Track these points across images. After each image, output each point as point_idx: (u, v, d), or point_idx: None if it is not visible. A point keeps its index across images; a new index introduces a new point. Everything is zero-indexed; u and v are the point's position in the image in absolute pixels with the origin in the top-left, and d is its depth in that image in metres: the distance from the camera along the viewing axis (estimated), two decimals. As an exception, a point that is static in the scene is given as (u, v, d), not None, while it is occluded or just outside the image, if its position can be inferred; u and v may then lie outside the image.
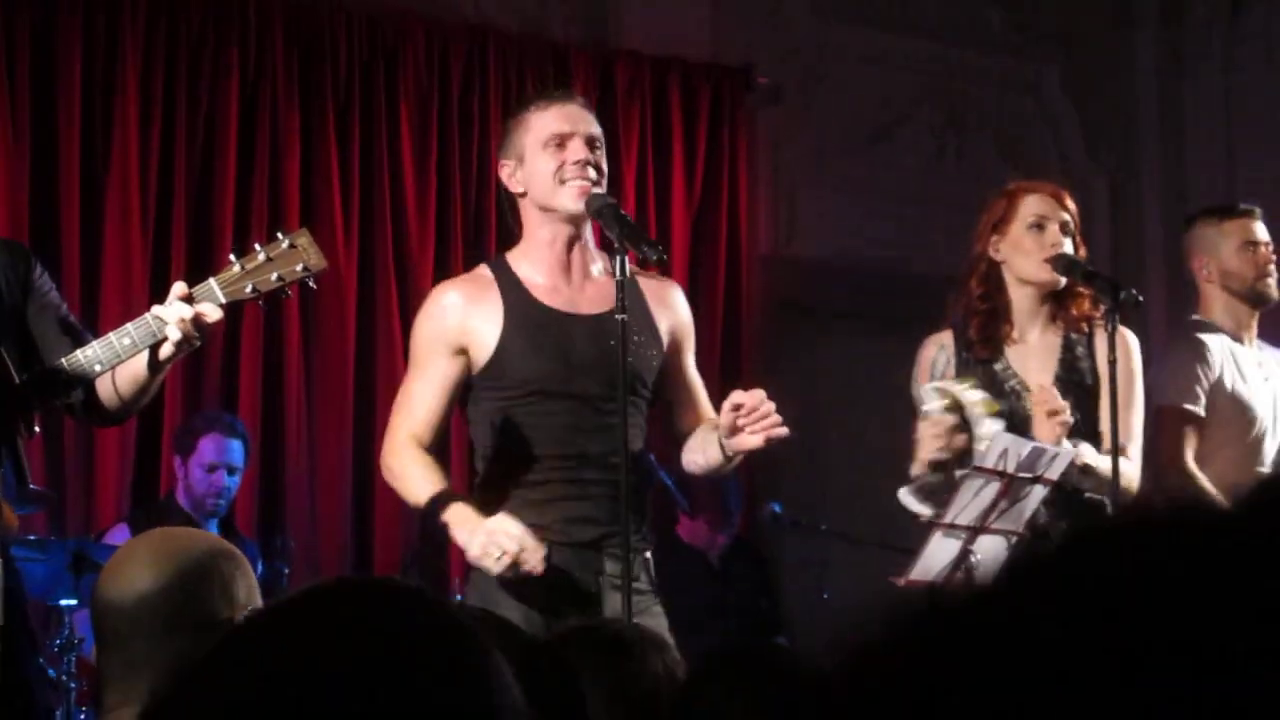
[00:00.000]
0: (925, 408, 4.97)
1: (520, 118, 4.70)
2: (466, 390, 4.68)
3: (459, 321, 4.61)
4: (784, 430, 4.50)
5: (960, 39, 9.53)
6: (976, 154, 9.43)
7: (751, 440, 4.46)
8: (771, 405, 4.46)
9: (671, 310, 4.80)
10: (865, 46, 9.31)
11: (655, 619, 4.53)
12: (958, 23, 9.57)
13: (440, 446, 4.75)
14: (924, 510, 4.95)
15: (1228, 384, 5.88)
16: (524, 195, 4.65)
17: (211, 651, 1.41)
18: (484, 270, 4.75)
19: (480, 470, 4.72)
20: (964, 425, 4.92)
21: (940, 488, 4.91)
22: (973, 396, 4.95)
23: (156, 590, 2.92)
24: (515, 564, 4.34)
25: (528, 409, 4.58)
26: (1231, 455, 5.88)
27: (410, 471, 4.57)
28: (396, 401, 4.73)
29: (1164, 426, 5.87)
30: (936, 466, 4.94)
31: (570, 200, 4.54)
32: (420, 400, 4.62)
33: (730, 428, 4.44)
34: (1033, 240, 5.15)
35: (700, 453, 4.72)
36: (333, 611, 1.39)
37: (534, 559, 4.36)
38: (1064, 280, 5.15)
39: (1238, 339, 5.99)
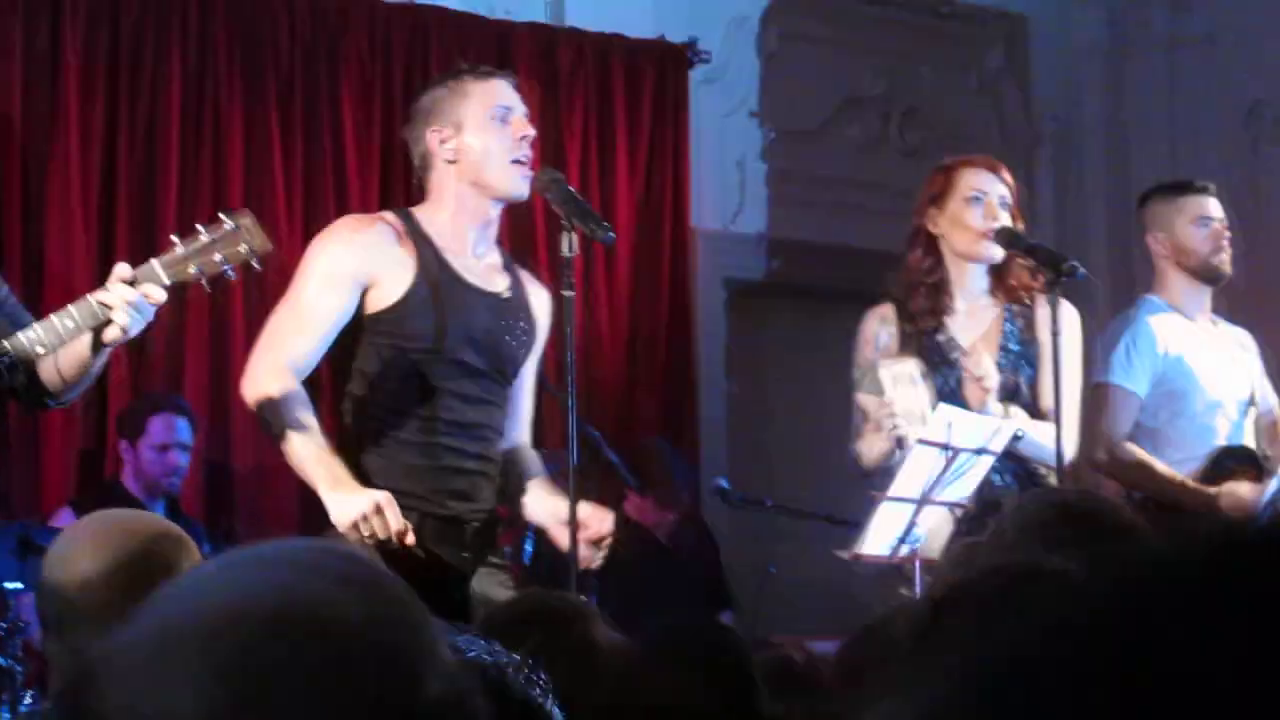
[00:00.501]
0: (884, 389, 4.99)
1: (457, 85, 4.62)
2: (344, 335, 4.51)
3: (369, 257, 4.50)
4: (597, 562, 4.50)
5: (905, 17, 9.54)
6: (921, 131, 9.45)
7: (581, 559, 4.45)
8: (607, 529, 4.49)
9: (543, 311, 4.78)
10: (812, 24, 9.31)
11: (508, 590, 4.51)
12: (903, 2, 9.58)
13: (312, 381, 4.53)
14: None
15: (1174, 359, 5.91)
16: (453, 163, 4.58)
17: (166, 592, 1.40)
18: (391, 217, 4.64)
19: (349, 424, 4.54)
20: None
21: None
22: (907, 368, 5.00)
23: (100, 574, 2.92)
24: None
25: (416, 367, 4.47)
26: (1182, 428, 5.92)
27: (284, 404, 4.34)
28: (276, 320, 4.53)
29: (1099, 402, 5.93)
30: (899, 443, 4.99)
31: (515, 183, 4.51)
32: (309, 325, 4.45)
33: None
34: (971, 214, 5.19)
35: (523, 496, 4.75)
36: (252, 572, 1.39)
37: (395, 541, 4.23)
38: (1002, 254, 5.18)
39: (1190, 315, 6.03)
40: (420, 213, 4.61)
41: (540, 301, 4.76)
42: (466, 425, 4.50)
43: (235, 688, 1.25)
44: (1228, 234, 6.07)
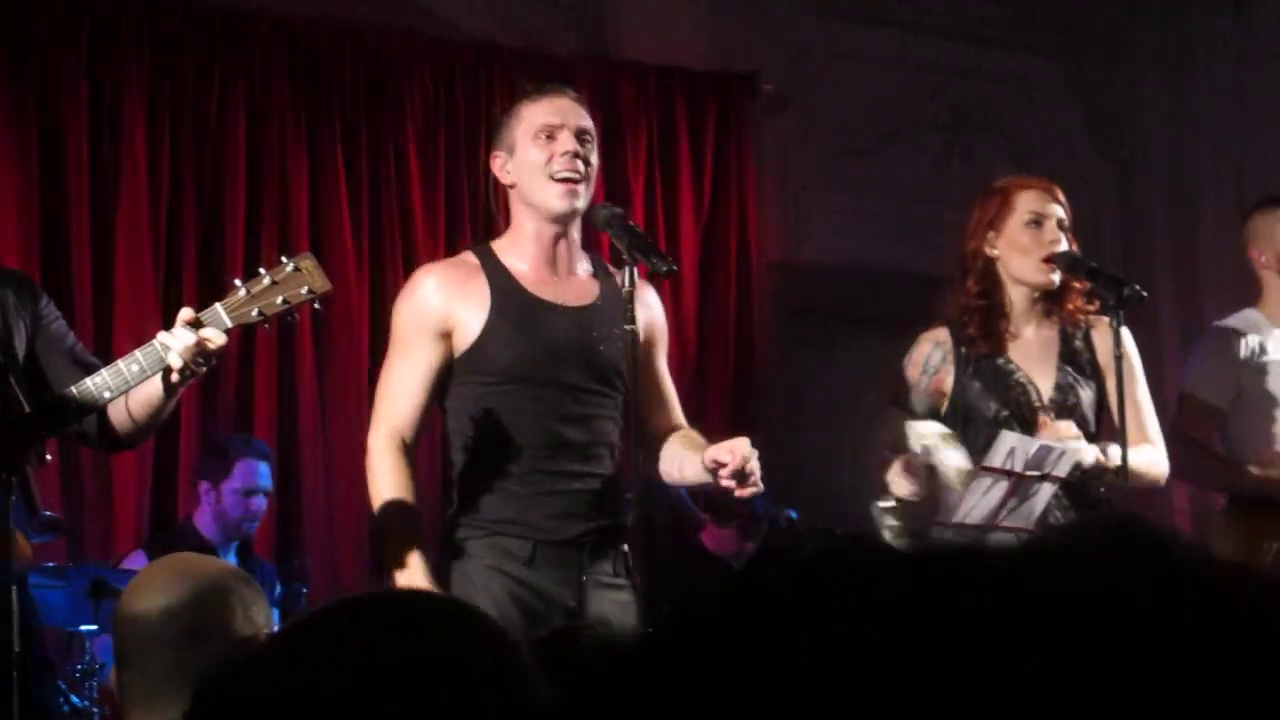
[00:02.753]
0: (909, 444, 4.98)
1: (513, 110, 4.64)
2: (446, 379, 4.57)
3: (444, 304, 4.53)
4: (759, 487, 4.41)
5: (963, 37, 9.55)
6: (982, 153, 9.44)
7: (735, 492, 4.42)
8: (753, 461, 4.36)
9: (646, 307, 4.71)
10: (869, 47, 9.32)
11: (630, 613, 4.50)
12: (961, 21, 9.59)
13: (419, 440, 4.60)
14: (886, 533, 4.99)
15: (1272, 370, 5.96)
16: (513, 187, 4.60)
17: (244, 661, 1.42)
18: (469, 256, 4.67)
19: (457, 463, 4.59)
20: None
21: (912, 518, 4.95)
22: (936, 431, 4.97)
23: (179, 604, 2.97)
24: None
25: (509, 396, 4.49)
26: (1267, 437, 5.97)
27: (384, 482, 4.47)
28: (380, 390, 4.60)
29: (1183, 411, 6.04)
30: (904, 502, 4.98)
31: (555, 200, 4.51)
32: (404, 388, 4.52)
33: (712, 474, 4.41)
34: (1030, 238, 5.15)
35: (677, 468, 4.69)
36: (369, 618, 1.42)
37: None
38: (1060, 278, 5.16)
39: None
40: (499, 243, 4.64)
41: (643, 296, 4.69)
42: (569, 445, 4.50)
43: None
44: None
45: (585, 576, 4.47)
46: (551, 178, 4.50)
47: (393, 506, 4.43)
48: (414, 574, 4.33)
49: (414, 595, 1.53)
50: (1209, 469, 6.06)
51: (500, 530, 4.45)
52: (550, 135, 4.53)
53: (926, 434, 4.95)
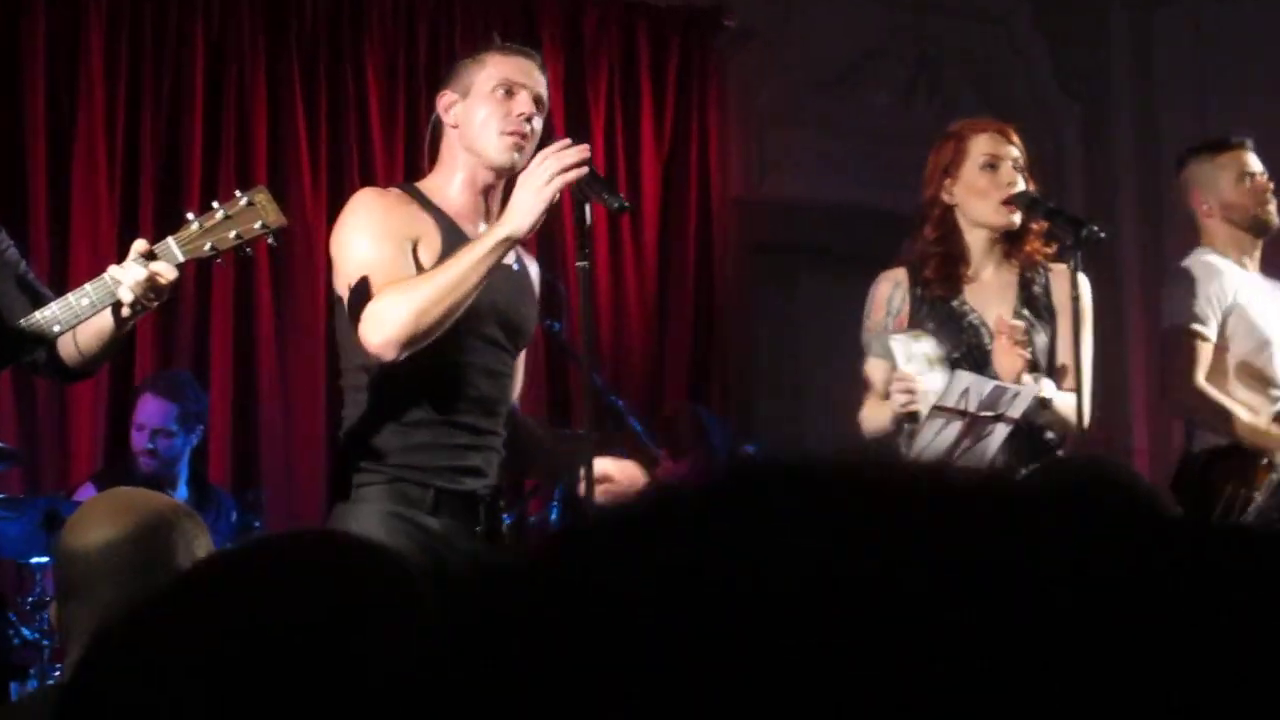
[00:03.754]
0: (895, 360, 4.97)
1: (478, 57, 4.61)
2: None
3: (410, 219, 4.43)
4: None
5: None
6: (948, 90, 9.41)
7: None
8: (638, 484, 4.49)
9: (537, 287, 4.75)
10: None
11: None
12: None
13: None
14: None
15: (1242, 306, 5.96)
16: (455, 128, 4.54)
17: (164, 593, 1.41)
18: (402, 192, 4.56)
19: (359, 403, 4.44)
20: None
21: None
22: (924, 347, 4.97)
23: (123, 538, 2.97)
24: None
25: (445, 342, 4.34)
26: (1247, 375, 5.97)
27: (406, 285, 4.25)
28: (361, 292, 4.30)
29: (1174, 346, 6.01)
30: (909, 417, 4.97)
31: (501, 151, 4.48)
32: (402, 265, 4.32)
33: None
34: (987, 180, 5.15)
35: (528, 461, 4.85)
36: (286, 559, 1.40)
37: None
38: (1019, 220, 5.16)
39: (1243, 268, 6.06)
40: (426, 185, 4.57)
41: (535, 274, 4.74)
42: (484, 400, 4.47)
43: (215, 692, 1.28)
44: (1271, 185, 6.10)
45: (479, 528, 4.46)
46: (502, 132, 4.48)
47: (430, 275, 4.27)
48: (507, 213, 4.22)
49: (319, 539, 1.50)
50: (1218, 422, 5.96)
51: (403, 476, 4.35)
52: (510, 92, 4.51)
53: (916, 352, 4.95)
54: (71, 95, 7.43)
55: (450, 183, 4.53)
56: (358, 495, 4.37)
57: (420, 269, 4.36)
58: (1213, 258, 6.06)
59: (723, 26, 8.83)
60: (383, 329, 4.20)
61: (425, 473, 4.37)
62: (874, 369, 5.20)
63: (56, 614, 3.12)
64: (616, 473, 4.51)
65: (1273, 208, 6.08)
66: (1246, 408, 5.89)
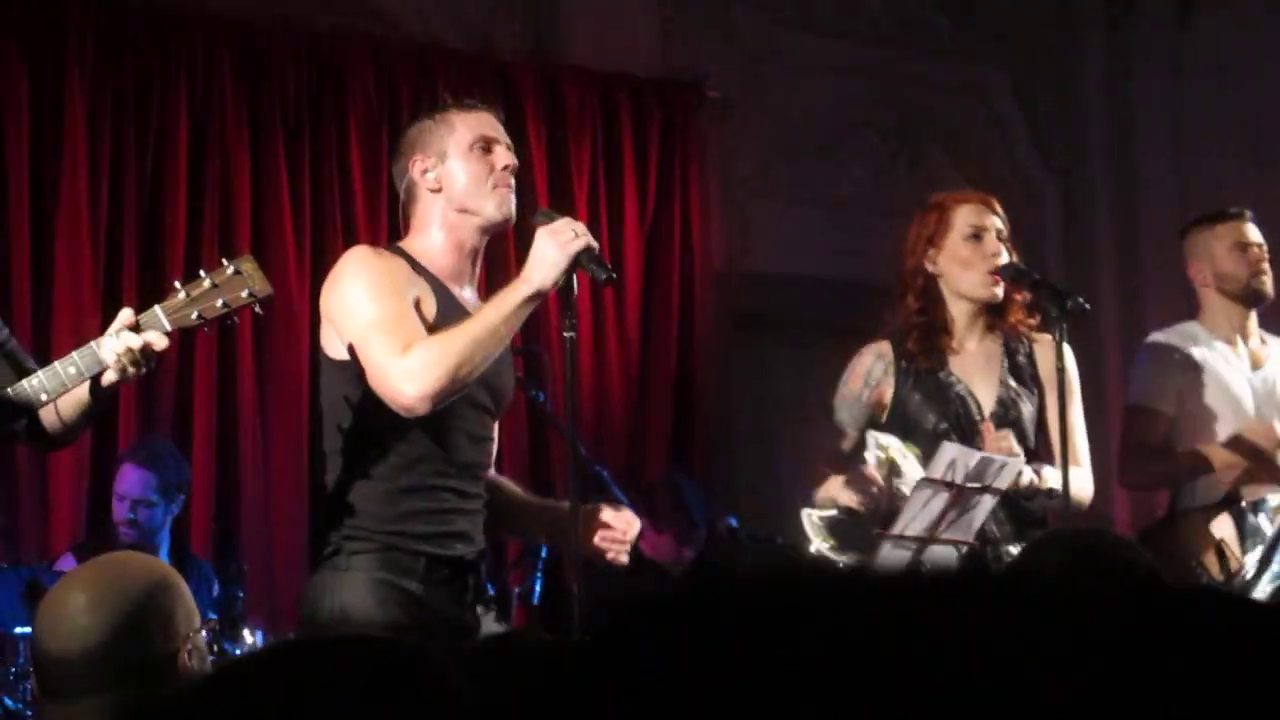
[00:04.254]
0: (865, 453, 4.97)
1: (442, 118, 4.60)
2: (346, 367, 4.35)
3: (409, 275, 4.40)
4: (624, 559, 4.53)
5: (908, 45, 9.56)
6: (927, 161, 9.45)
7: (609, 556, 4.50)
8: (635, 532, 4.54)
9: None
10: (812, 54, 9.32)
11: (497, 627, 4.51)
12: (905, 28, 9.60)
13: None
14: (821, 545, 4.98)
15: (1209, 381, 6.02)
16: (437, 192, 4.54)
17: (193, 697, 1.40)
18: (390, 253, 4.51)
19: (343, 468, 4.39)
20: (891, 476, 4.92)
21: (849, 531, 4.94)
22: (896, 444, 4.97)
23: (97, 643, 2.91)
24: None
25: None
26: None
27: (442, 338, 4.23)
28: (375, 347, 4.26)
29: (1130, 422, 6.13)
30: (850, 512, 4.97)
31: (495, 207, 4.49)
32: (410, 329, 4.26)
33: (590, 536, 4.48)
34: (972, 251, 5.17)
35: (511, 521, 4.80)
36: (288, 671, 1.39)
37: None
38: (1002, 293, 5.18)
39: (1230, 341, 6.10)
40: (410, 247, 4.56)
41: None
42: (468, 465, 4.46)
43: None
44: (1267, 256, 6.16)
45: (468, 596, 4.45)
46: (495, 187, 4.49)
47: (469, 324, 4.27)
48: (538, 254, 4.26)
49: (347, 644, 1.49)
50: (1162, 469, 6.09)
51: (393, 544, 4.33)
52: (487, 148, 4.52)
53: (889, 445, 4.93)
54: (54, 163, 7.42)
55: (434, 246, 4.52)
56: (348, 564, 4.33)
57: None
58: (1195, 330, 6.13)
59: (704, 99, 8.87)
60: (418, 383, 4.18)
61: (416, 539, 4.35)
62: (836, 433, 5.25)
63: (41, 706, 3.08)
64: (613, 519, 4.51)
65: (1267, 279, 6.13)
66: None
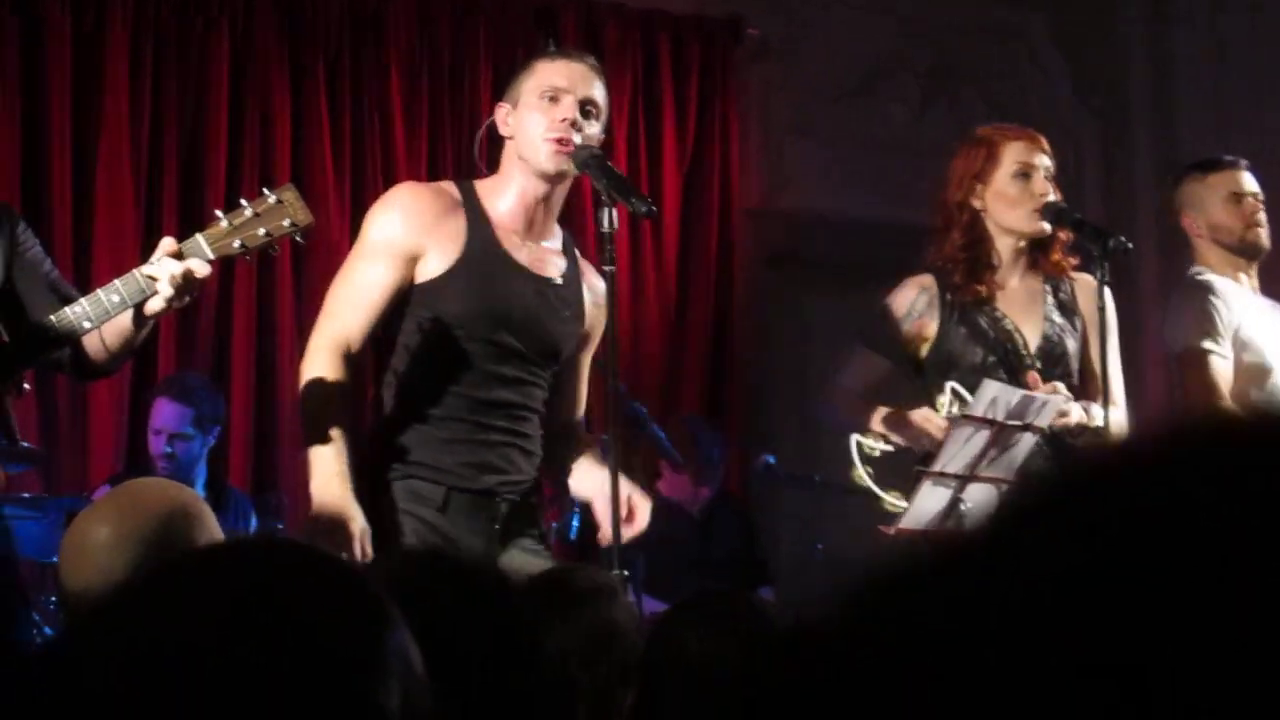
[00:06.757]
0: (940, 398, 4.96)
1: (528, 65, 4.66)
2: (400, 302, 4.50)
3: (420, 229, 4.49)
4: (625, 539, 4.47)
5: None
6: (964, 103, 9.40)
7: (619, 534, 4.44)
8: (645, 519, 4.51)
9: (597, 300, 4.73)
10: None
11: (547, 562, 4.50)
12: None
13: (363, 356, 4.55)
14: (863, 474, 4.98)
15: (1245, 328, 5.81)
16: (510, 139, 4.59)
17: (78, 626, 1.39)
18: (452, 189, 4.64)
19: (386, 400, 4.53)
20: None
21: (894, 466, 4.95)
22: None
23: (120, 566, 2.91)
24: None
25: (451, 341, 4.46)
26: (1255, 399, 5.82)
27: (316, 384, 4.37)
28: (334, 292, 4.52)
29: (1190, 369, 5.77)
30: (899, 449, 4.99)
31: (545, 159, 4.50)
32: (361, 299, 4.45)
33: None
34: (1019, 189, 5.13)
35: (576, 477, 4.76)
36: (207, 575, 1.38)
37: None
38: (1049, 229, 5.15)
39: (1240, 285, 5.92)
40: (482, 187, 4.61)
41: (594, 292, 4.72)
42: (501, 404, 4.49)
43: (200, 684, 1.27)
44: (1262, 206, 5.97)
45: (497, 526, 4.47)
46: (545, 139, 4.49)
47: (320, 408, 4.34)
48: (328, 484, 4.23)
49: (280, 548, 1.47)
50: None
51: (414, 474, 4.43)
52: (554, 98, 4.52)
53: (970, 402, 4.89)
54: (97, 98, 7.44)
55: (504, 191, 4.58)
56: (377, 488, 4.41)
57: (419, 278, 4.47)
58: (1211, 277, 5.88)
59: (743, 38, 8.84)
60: (306, 357, 4.47)
61: (435, 470, 4.43)
62: (867, 359, 5.22)
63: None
64: (633, 503, 4.49)
65: (1263, 231, 5.93)
66: None
